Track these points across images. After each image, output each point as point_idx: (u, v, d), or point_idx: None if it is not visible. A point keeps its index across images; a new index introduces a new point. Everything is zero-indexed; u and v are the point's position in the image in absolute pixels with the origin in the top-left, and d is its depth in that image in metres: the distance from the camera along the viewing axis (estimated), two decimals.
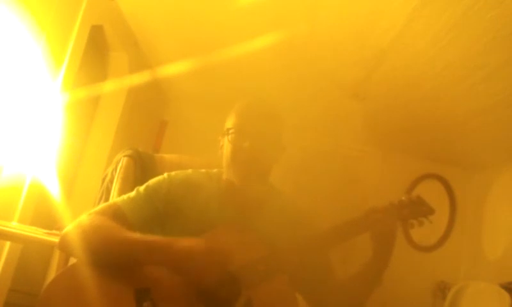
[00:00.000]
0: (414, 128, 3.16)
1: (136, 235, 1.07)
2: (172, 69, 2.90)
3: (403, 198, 1.21)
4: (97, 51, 2.72)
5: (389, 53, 2.24)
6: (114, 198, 1.42)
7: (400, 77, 2.48)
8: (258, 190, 1.25)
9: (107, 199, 1.54)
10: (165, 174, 1.27)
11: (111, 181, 1.57)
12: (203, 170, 1.33)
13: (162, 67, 2.99)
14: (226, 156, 1.24)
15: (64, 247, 1.14)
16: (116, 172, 1.56)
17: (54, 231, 1.79)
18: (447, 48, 2.07)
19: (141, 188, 1.23)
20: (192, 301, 1.04)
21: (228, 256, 1.06)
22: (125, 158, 1.57)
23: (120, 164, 1.57)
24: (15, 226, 1.85)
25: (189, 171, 1.31)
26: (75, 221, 1.13)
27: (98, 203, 1.57)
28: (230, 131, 1.23)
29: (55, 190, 2.00)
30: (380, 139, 3.59)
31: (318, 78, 2.77)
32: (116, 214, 1.15)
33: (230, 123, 1.25)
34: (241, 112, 1.26)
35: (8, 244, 1.94)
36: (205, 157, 1.59)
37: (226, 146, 1.25)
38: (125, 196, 1.22)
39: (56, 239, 1.33)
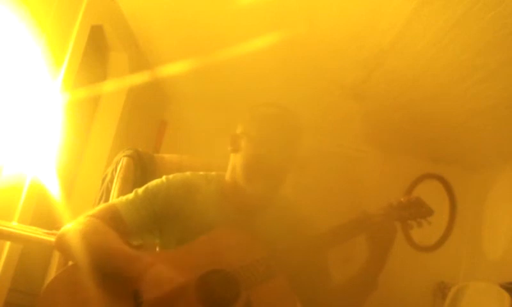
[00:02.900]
0: (414, 128, 3.16)
1: (123, 249, 1.08)
2: (172, 69, 2.90)
3: (402, 199, 1.21)
4: (97, 51, 2.72)
5: (389, 53, 2.24)
6: (114, 198, 1.42)
7: (400, 77, 2.48)
8: (269, 198, 1.24)
9: (107, 199, 1.55)
10: (163, 178, 1.28)
11: (111, 182, 1.57)
12: (202, 173, 1.32)
13: (162, 67, 2.98)
14: (244, 160, 1.22)
15: (60, 248, 1.17)
16: (116, 172, 1.57)
17: (54, 231, 1.78)
18: (447, 48, 2.06)
19: (140, 190, 1.24)
20: (191, 301, 1.05)
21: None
22: (125, 159, 1.57)
23: (120, 164, 1.57)
24: (15, 226, 1.85)
25: (188, 173, 1.31)
26: (72, 223, 1.14)
27: (98, 203, 1.57)
28: (255, 138, 1.20)
29: (55, 190, 2.00)
30: (380, 139, 3.59)
31: (318, 79, 2.77)
32: (114, 216, 1.16)
33: (253, 128, 1.22)
34: (269, 121, 1.23)
35: (8, 244, 1.94)
36: (205, 157, 1.59)
37: (245, 149, 1.22)
38: (123, 198, 1.23)
39: None
